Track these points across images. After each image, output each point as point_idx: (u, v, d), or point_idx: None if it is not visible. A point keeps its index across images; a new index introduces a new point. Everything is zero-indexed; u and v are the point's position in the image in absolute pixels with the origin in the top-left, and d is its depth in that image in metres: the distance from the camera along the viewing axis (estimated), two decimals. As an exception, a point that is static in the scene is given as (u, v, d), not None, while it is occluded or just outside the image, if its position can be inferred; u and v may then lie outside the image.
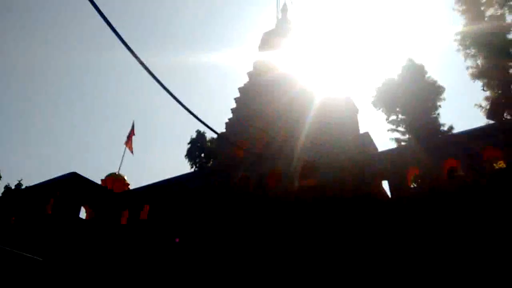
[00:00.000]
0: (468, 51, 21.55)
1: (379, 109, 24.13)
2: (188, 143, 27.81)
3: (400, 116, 23.39)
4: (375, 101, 24.38)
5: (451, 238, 9.14)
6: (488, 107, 19.74)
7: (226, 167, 11.73)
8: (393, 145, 23.19)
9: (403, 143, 22.87)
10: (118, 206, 13.66)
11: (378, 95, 24.36)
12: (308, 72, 14.60)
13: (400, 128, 23.28)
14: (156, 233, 11.77)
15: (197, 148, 27.03)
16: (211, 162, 25.36)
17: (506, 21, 21.02)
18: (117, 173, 17.86)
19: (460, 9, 22.21)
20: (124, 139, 18.90)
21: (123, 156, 18.29)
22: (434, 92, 22.81)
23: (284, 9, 17.79)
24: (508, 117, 18.91)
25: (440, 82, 23.45)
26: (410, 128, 22.30)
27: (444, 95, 23.03)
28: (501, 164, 12.60)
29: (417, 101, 22.44)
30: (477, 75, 21.05)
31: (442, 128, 22.19)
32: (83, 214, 14.56)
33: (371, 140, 13.35)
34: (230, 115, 14.72)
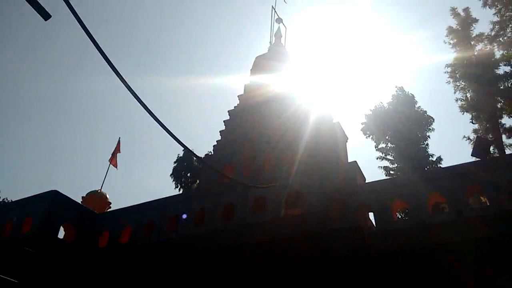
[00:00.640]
0: (458, 83, 21.92)
1: (369, 136, 24.33)
2: (175, 162, 27.59)
3: (389, 144, 23.57)
4: (365, 128, 24.58)
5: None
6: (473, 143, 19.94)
7: (211, 193, 11.47)
8: (382, 173, 23.30)
9: (391, 172, 22.99)
10: (98, 227, 13.25)
11: (368, 122, 24.58)
12: (299, 98, 14.54)
13: (389, 157, 23.45)
14: (137, 258, 11.39)
15: (184, 167, 26.82)
16: (197, 182, 25.06)
17: (495, 57, 21.45)
18: (99, 190, 17.45)
19: (451, 42, 22.68)
20: (109, 156, 18.65)
21: (106, 173, 17.93)
22: (423, 122, 23.07)
23: (277, 34, 17.90)
24: (495, 155, 19.03)
25: (430, 113, 23.80)
26: (399, 157, 22.43)
27: (434, 125, 23.35)
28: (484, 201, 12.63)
29: (406, 131, 22.64)
30: (466, 108, 21.36)
31: (430, 158, 22.36)
32: (62, 234, 14.13)
33: (359, 170, 13.19)
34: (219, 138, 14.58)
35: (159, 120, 6.10)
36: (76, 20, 4.53)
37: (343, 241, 9.39)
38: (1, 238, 13.12)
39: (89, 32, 4.70)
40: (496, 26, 21.88)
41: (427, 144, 22.42)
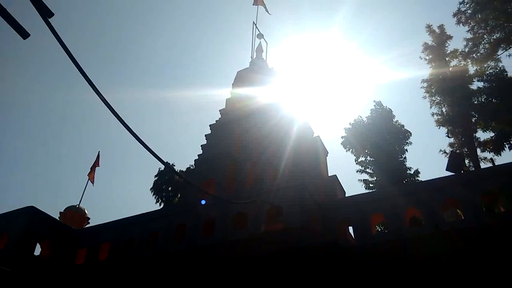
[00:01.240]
0: (433, 98, 22.54)
1: (349, 150, 24.66)
2: (155, 176, 27.31)
3: (368, 158, 23.94)
4: (345, 142, 24.92)
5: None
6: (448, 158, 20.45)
7: (192, 208, 11.40)
8: (362, 186, 23.60)
9: (371, 185, 23.30)
10: (76, 244, 12.97)
11: (347, 135, 24.93)
12: (280, 113, 14.69)
13: (369, 170, 23.79)
14: (116, 276, 11.17)
15: (165, 181, 26.57)
16: (178, 197, 24.84)
17: (469, 72, 22.17)
18: (77, 206, 17.13)
19: (427, 58, 23.35)
20: (88, 170, 18.37)
21: (85, 188, 17.64)
22: (401, 136, 23.56)
23: (258, 49, 18.11)
24: (471, 168, 19.55)
25: (407, 127, 24.36)
26: (378, 170, 22.79)
27: (411, 139, 23.86)
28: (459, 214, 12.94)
29: (385, 144, 23.08)
30: (442, 122, 21.95)
31: (408, 171, 22.79)
32: (39, 250, 13.77)
33: (339, 183, 13.36)
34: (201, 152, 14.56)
35: (136, 135, 6.08)
36: (53, 35, 4.53)
37: (324, 257, 9.45)
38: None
39: (66, 47, 4.70)
40: (470, 43, 22.64)
41: (405, 158, 22.87)
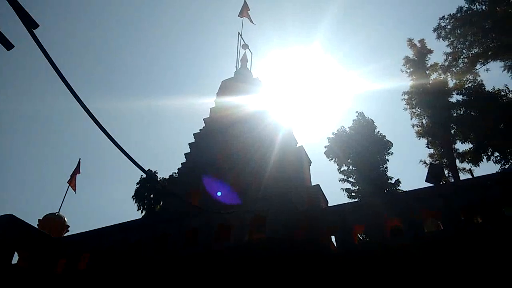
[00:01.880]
0: (414, 110, 23.04)
1: (332, 159, 24.93)
2: (137, 183, 27.03)
3: (351, 167, 24.26)
4: (328, 151, 25.20)
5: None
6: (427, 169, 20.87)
7: (174, 218, 11.34)
8: (344, 195, 23.86)
9: (353, 194, 23.59)
10: (55, 253, 12.72)
11: (331, 145, 25.24)
12: (264, 122, 14.79)
13: (351, 179, 24.09)
14: (95, 286, 11.00)
15: (147, 188, 26.32)
16: (160, 204, 24.64)
17: (448, 85, 22.76)
18: (56, 213, 16.80)
19: (408, 71, 23.89)
20: (68, 177, 18.08)
21: (65, 195, 17.34)
22: (382, 146, 23.97)
23: (243, 59, 18.23)
24: (450, 178, 20.00)
25: (389, 137, 24.83)
26: (360, 179, 23.10)
27: (392, 149, 24.31)
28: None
29: (367, 154, 23.44)
30: (422, 133, 22.43)
31: (389, 181, 23.17)
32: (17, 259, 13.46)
33: (322, 193, 13.48)
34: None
35: (117, 143, 6.06)
36: (37, 46, 4.52)
37: (306, 266, 9.52)
38: None
39: (49, 57, 4.69)
40: (449, 57, 23.27)
41: (386, 168, 23.25)
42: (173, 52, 65.69)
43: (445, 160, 21.32)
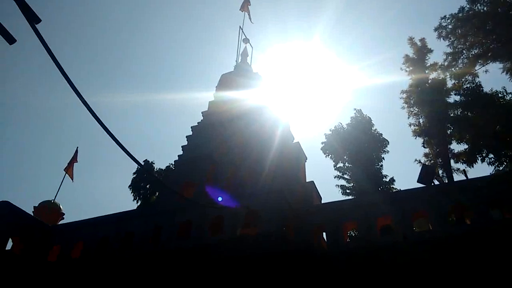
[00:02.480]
0: (412, 109, 23.05)
1: (328, 155, 25.04)
2: (134, 173, 27.06)
3: (347, 164, 24.37)
4: (325, 148, 25.29)
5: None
6: (426, 162, 21.01)
7: (168, 210, 11.45)
8: (339, 192, 24.02)
9: (348, 191, 23.74)
10: (49, 241, 12.84)
11: (328, 141, 25.33)
12: (262, 117, 14.87)
13: (346, 176, 24.22)
14: (88, 274, 11.13)
15: (143, 178, 26.34)
16: (156, 195, 24.72)
17: (447, 86, 22.78)
18: (52, 201, 16.89)
19: (407, 70, 23.87)
20: (65, 165, 18.13)
21: (61, 183, 17.41)
22: (379, 144, 24.09)
23: (244, 54, 18.23)
24: (444, 179, 20.14)
25: (385, 134, 24.94)
26: (355, 177, 23.24)
27: (388, 148, 24.44)
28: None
29: (363, 151, 23.55)
30: (418, 133, 22.48)
31: (384, 179, 23.32)
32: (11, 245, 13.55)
33: (316, 190, 13.61)
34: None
35: (113, 135, 6.15)
36: (39, 40, 4.58)
37: (296, 262, 9.67)
38: None
39: (50, 50, 4.75)
40: (449, 57, 23.22)
41: (381, 166, 23.40)
42: (174, 45, 65.43)
43: (440, 160, 21.43)
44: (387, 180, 23.02)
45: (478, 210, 9.74)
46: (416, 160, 22.54)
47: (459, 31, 22.53)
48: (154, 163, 27.57)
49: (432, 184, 11.66)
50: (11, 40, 4.25)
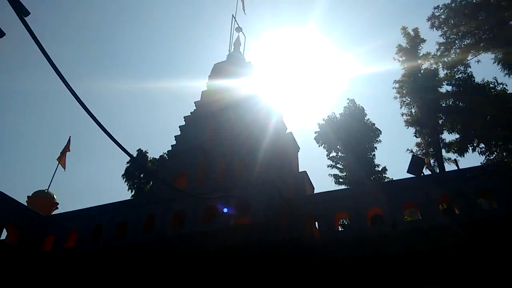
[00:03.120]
0: (404, 99, 23.18)
1: (321, 145, 25.18)
2: (127, 162, 27.04)
3: (340, 153, 24.55)
4: (318, 137, 25.42)
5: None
6: (417, 152, 21.24)
7: (162, 200, 11.53)
8: (331, 181, 24.22)
9: (340, 180, 23.94)
10: (43, 230, 12.89)
11: (321, 131, 25.45)
12: (255, 107, 14.89)
13: (339, 165, 24.41)
14: (83, 263, 11.23)
15: (137, 167, 26.32)
16: (150, 184, 24.74)
17: (439, 76, 22.90)
18: (46, 190, 16.90)
19: (400, 59, 23.93)
20: (58, 154, 18.10)
21: (54, 172, 17.40)
22: (371, 134, 24.25)
23: (236, 43, 18.16)
24: (435, 168, 20.38)
25: (378, 124, 25.11)
26: (348, 166, 23.43)
27: (381, 137, 24.62)
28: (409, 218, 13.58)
29: (356, 141, 23.72)
30: (410, 122, 22.65)
31: (376, 168, 23.54)
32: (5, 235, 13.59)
33: (308, 180, 13.74)
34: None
35: (103, 127, 6.17)
36: (28, 33, 4.57)
37: (289, 252, 9.81)
38: None
39: (39, 43, 4.75)
40: (442, 47, 23.30)
41: (374, 155, 23.59)
42: (166, 33, 64.84)
43: (432, 150, 21.66)
44: (380, 169, 23.25)
45: (467, 200, 9.91)
46: (408, 149, 22.79)
47: (452, 21, 22.59)
48: (147, 153, 27.57)
49: (422, 174, 11.82)
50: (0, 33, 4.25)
